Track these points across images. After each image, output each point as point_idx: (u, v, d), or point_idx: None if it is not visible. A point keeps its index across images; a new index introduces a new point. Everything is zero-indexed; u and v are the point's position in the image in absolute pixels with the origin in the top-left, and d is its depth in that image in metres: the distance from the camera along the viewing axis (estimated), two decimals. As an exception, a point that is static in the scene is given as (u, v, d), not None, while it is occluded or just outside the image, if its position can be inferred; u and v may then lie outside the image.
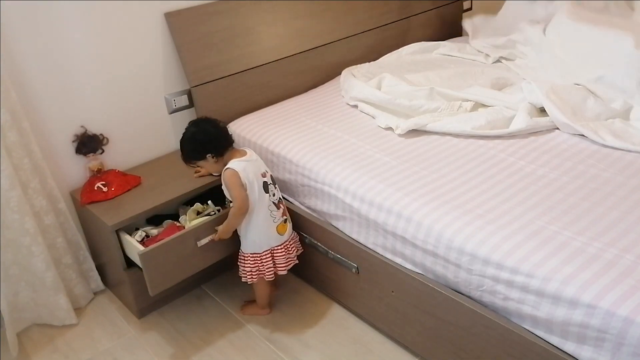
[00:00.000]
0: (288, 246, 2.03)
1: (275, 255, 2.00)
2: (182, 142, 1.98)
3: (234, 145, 2.03)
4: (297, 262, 2.10)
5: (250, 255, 2.00)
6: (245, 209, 1.90)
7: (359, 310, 2.08)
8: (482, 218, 1.65)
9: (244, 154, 1.97)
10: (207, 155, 1.94)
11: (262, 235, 1.97)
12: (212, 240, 1.99)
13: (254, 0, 2.51)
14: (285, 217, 2.02)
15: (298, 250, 2.12)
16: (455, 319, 1.65)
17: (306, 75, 2.79)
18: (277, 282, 2.26)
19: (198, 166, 2.01)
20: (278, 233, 1.99)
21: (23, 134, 1.98)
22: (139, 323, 2.20)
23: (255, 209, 1.93)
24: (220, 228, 1.97)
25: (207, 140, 1.94)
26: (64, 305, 2.14)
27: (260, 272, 2.01)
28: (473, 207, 1.71)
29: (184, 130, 2.00)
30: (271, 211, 1.96)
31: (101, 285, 2.35)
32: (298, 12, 2.68)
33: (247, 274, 2.02)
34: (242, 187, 1.89)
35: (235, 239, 2.09)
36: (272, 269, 2.01)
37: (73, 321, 2.18)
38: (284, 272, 2.04)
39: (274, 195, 1.98)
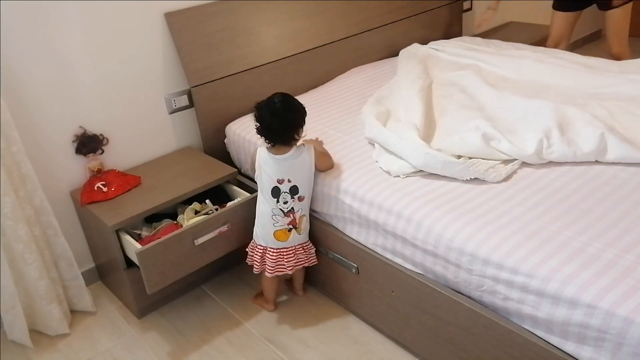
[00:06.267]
0: (283, 254, 2.00)
1: (266, 255, 2.00)
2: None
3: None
4: (289, 273, 2.04)
5: (252, 241, 2.04)
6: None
7: (359, 310, 2.08)
8: (481, 218, 1.65)
9: (286, 151, 1.92)
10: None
11: (260, 229, 1.99)
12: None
13: (254, 0, 2.51)
14: (290, 227, 1.97)
15: (299, 263, 2.03)
16: (455, 319, 1.65)
17: (306, 75, 2.79)
18: (296, 283, 2.23)
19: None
20: (275, 237, 1.97)
21: (12, 143, 1.93)
22: (139, 323, 2.20)
23: (261, 201, 1.97)
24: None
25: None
26: (57, 315, 2.11)
27: (252, 260, 2.05)
28: (473, 207, 1.71)
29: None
30: (274, 214, 1.95)
31: (89, 307, 2.25)
32: (298, 12, 2.68)
33: (248, 256, 2.07)
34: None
35: (233, 239, 2.10)
36: (259, 263, 2.02)
37: (66, 331, 2.15)
38: (269, 275, 2.01)
39: (285, 203, 1.94)
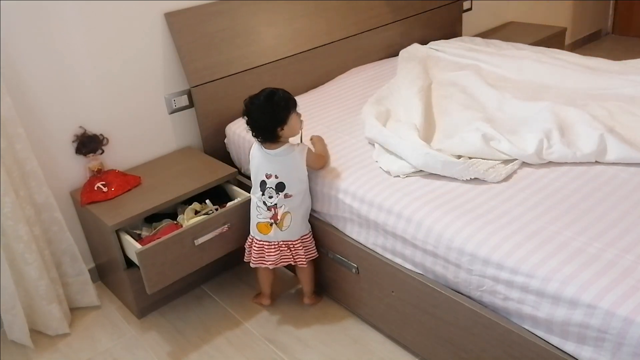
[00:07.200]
0: (266, 248, 1.99)
1: (253, 245, 2.03)
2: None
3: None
4: (269, 268, 2.04)
5: None
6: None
7: (359, 310, 2.08)
8: (481, 218, 1.65)
9: (275, 147, 1.94)
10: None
11: (250, 218, 2.04)
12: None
13: (254, 0, 2.51)
14: (272, 222, 1.96)
15: (283, 260, 2.00)
16: (455, 319, 1.65)
17: (306, 75, 2.79)
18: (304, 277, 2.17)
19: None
20: (257, 229, 1.99)
21: (16, 140, 1.94)
22: (139, 323, 2.20)
23: (252, 190, 2.02)
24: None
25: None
26: (57, 314, 2.11)
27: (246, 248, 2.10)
28: (473, 207, 1.71)
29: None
30: (258, 206, 1.98)
31: (95, 302, 2.28)
32: (298, 12, 2.68)
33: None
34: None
35: (233, 239, 2.10)
36: (248, 253, 2.07)
37: (66, 331, 2.16)
38: (253, 265, 2.05)
39: (270, 197, 1.94)
